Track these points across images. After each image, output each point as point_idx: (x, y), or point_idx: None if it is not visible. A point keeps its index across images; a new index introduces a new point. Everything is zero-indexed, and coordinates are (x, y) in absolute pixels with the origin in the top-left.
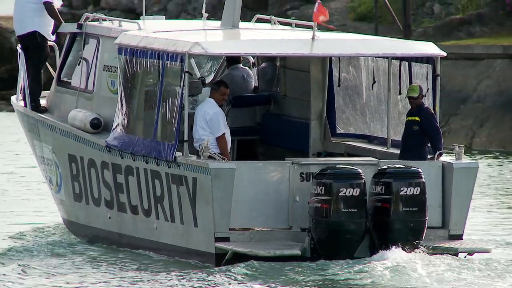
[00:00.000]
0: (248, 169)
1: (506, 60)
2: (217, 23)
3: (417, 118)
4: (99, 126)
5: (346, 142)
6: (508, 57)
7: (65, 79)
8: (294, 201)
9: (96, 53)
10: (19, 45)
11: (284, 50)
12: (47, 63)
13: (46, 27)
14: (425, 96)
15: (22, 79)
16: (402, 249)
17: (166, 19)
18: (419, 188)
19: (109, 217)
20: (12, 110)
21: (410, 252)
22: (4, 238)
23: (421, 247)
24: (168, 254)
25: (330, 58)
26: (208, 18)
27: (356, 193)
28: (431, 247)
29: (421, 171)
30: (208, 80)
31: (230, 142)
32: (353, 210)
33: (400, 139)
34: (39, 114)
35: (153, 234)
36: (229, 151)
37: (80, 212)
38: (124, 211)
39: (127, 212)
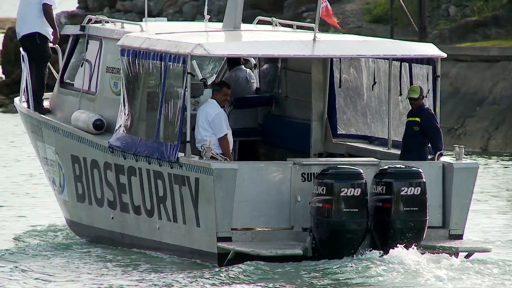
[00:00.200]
0: (250, 170)
1: None
2: (219, 25)
3: (417, 119)
4: (101, 127)
5: (347, 143)
6: None
7: (68, 81)
8: (296, 201)
9: (98, 54)
10: (21, 46)
11: (285, 52)
12: (49, 65)
13: (47, 28)
14: (425, 97)
15: (25, 81)
16: (403, 248)
17: (180, 21)
18: (419, 188)
19: (112, 218)
20: None
21: (411, 251)
22: (7, 239)
23: (422, 246)
24: (170, 254)
25: (331, 59)
26: (209, 20)
27: (357, 193)
28: (431, 246)
29: (421, 171)
30: (210, 81)
31: (232, 143)
32: (354, 210)
33: (401, 140)
34: (42, 115)
35: (155, 234)
36: (231, 152)
37: (83, 213)
38: (127, 211)
39: (130, 213)
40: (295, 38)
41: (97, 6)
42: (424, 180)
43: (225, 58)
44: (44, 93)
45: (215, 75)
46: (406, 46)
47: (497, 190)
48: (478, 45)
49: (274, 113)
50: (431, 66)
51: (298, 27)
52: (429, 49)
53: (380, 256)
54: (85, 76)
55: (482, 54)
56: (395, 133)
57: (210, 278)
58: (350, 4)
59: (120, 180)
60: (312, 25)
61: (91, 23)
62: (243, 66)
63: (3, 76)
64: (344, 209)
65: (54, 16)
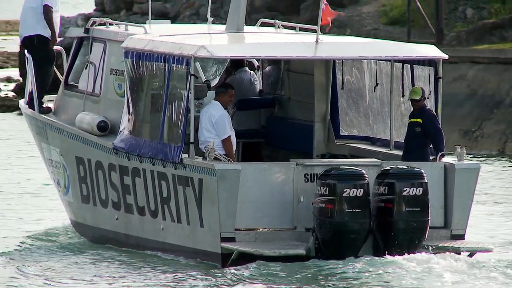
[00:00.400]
0: (253, 170)
1: None
2: (222, 27)
3: (419, 120)
4: (106, 128)
5: (350, 144)
6: None
7: (72, 83)
8: (299, 202)
9: (103, 57)
10: (25, 48)
11: (288, 53)
12: (54, 67)
13: (49, 30)
14: (427, 98)
15: (30, 83)
16: (405, 250)
17: (196, 23)
18: (421, 189)
19: (116, 218)
20: None
21: (413, 252)
22: (13, 240)
23: (424, 247)
24: (174, 254)
25: (334, 61)
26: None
27: (359, 193)
28: (433, 246)
29: (423, 171)
30: (213, 83)
31: (235, 144)
32: (356, 210)
33: (403, 141)
34: (47, 117)
35: (159, 235)
36: (234, 153)
37: (88, 214)
38: (131, 212)
39: (134, 213)
40: (297, 40)
41: (114, 8)
42: (426, 181)
43: (229, 60)
44: (45, 94)
45: (219, 77)
46: (408, 48)
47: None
48: (495, 47)
49: (277, 115)
50: (432, 68)
51: (301, 29)
52: (430, 51)
53: (382, 256)
54: (90, 78)
55: (499, 56)
56: (397, 134)
57: (214, 278)
58: (367, 6)
59: (125, 181)
60: (315, 27)
61: (95, 26)
62: (247, 68)
63: (21, 79)
64: (347, 210)
65: (58, 19)
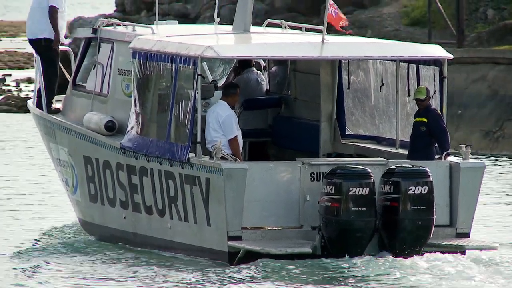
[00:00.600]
0: (259, 170)
1: None
2: (229, 28)
3: (424, 119)
4: (113, 128)
5: (356, 143)
6: None
7: (80, 83)
8: (305, 201)
9: (110, 57)
10: (34, 50)
11: (294, 54)
12: (62, 67)
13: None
14: (432, 97)
15: (38, 83)
16: (411, 248)
17: (218, 23)
18: (427, 187)
19: (124, 217)
20: None
21: (418, 250)
22: (21, 238)
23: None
24: (182, 252)
25: (340, 61)
26: (220, 23)
27: (365, 192)
28: (438, 245)
29: (428, 170)
30: (220, 83)
31: (242, 144)
32: (362, 209)
33: (408, 140)
34: (55, 117)
35: (167, 234)
36: (240, 152)
37: (96, 213)
38: (139, 211)
39: (142, 212)
40: (304, 40)
41: (134, 9)
42: (431, 180)
43: (236, 60)
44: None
45: (225, 77)
46: (413, 48)
47: None
48: None
49: (284, 115)
50: (438, 68)
51: (307, 30)
52: (436, 51)
53: (388, 255)
54: (97, 78)
55: None
56: (402, 134)
57: (221, 276)
58: (388, 7)
59: (132, 181)
60: (321, 27)
61: (103, 26)
62: (253, 68)
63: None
64: (353, 208)
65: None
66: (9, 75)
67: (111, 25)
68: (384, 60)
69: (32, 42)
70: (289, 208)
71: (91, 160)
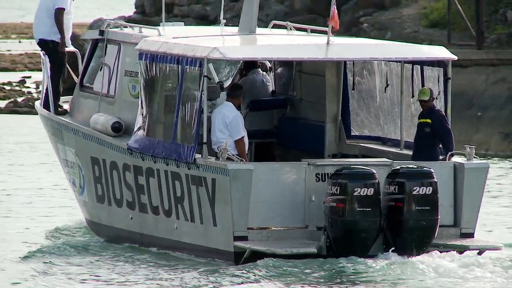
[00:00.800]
0: (265, 170)
1: None
2: (235, 29)
3: (428, 120)
4: (120, 129)
5: (361, 144)
6: None
7: (87, 84)
8: (310, 201)
9: (117, 58)
10: (42, 51)
11: (299, 55)
12: (69, 69)
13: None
14: (436, 98)
15: (45, 85)
16: (415, 248)
17: (237, 25)
18: (431, 188)
19: (131, 218)
20: None
21: (423, 250)
22: (30, 239)
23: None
24: (188, 253)
25: (345, 62)
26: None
27: (370, 192)
28: (443, 245)
29: (433, 171)
30: (226, 84)
31: (248, 144)
32: (367, 209)
33: (413, 141)
34: (62, 118)
35: (173, 234)
36: (246, 153)
37: (103, 213)
38: (146, 211)
39: (148, 213)
40: (309, 42)
41: (154, 11)
42: (436, 180)
43: (242, 61)
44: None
45: (231, 78)
46: (417, 49)
47: None
48: None
49: (289, 115)
50: (442, 69)
51: (312, 31)
52: (440, 52)
53: (393, 255)
54: (104, 80)
55: None
56: (407, 134)
57: (227, 276)
58: (407, 8)
59: (139, 181)
60: (326, 29)
61: (110, 28)
62: (259, 69)
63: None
64: (358, 209)
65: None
66: (29, 77)
67: (118, 26)
68: (388, 61)
69: (39, 43)
70: (294, 208)
71: (98, 161)
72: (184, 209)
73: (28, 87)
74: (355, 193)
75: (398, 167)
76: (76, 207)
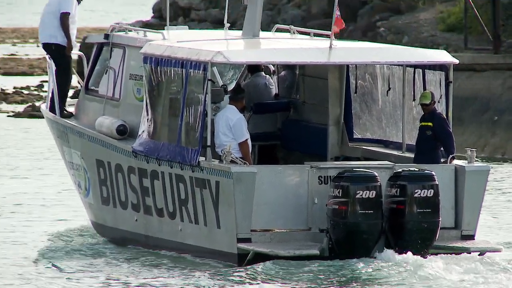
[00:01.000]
0: (268, 173)
1: None
2: (239, 33)
3: (430, 124)
4: (125, 132)
5: (363, 147)
6: None
7: (92, 88)
8: (313, 203)
9: (122, 62)
10: (47, 54)
11: (302, 59)
12: (75, 72)
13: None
14: (438, 102)
15: (51, 88)
16: (417, 250)
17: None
18: (432, 190)
19: (136, 220)
20: None
21: (424, 252)
22: (35, 241)
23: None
24: (192, 254)
25: (347, 66)
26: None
27: (372, 195)
28: (444, 247)
29: (434, 174)
30: (230, 87)
31: (251, 147)
32: (369, 211)
33: (415, 144)
34: (68, 121)
35: (178, 236)
36: (250, 155)
37: (108, 215)
38: (150, 213)
39: (153, 215)
40: (312, 46)
41: (172, 16)
42: (437, 183)
43: (245, 64)
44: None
45: (235, 81)
46: (419, 53)
47: None
48: None
49: (292, 118)
50: (443, 72)
51: (315, 35)
52: (442, 56)
53: (395, 257)
54: (109, 83)
55: None
56: (409, 137)
57: (231, 278)
58: (424, 13)
59: (143, 184)
60: (329, 32)
61: (115, 32)
62: (262, 73)
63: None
64: (360, 211)
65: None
66: (47, 81)
67: (123, 30)
68: (391, 65)
69: (44, 47)
70: (297, 210)
71: (103, 163)
72: (188, 211)
73: (46, 91)
74: (357, 196)
75: (400, 170)
76: (81, 209)
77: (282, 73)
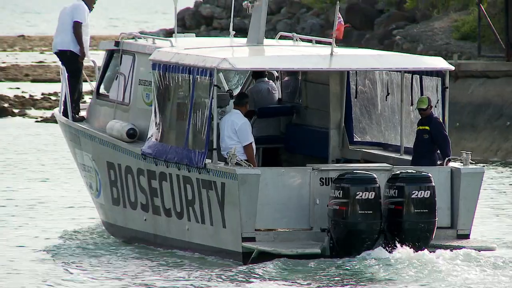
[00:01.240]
0: (272, 175)
1: None
2: (243, 40)
3: (427, 127)
4: (134, 135)
5: (363, 150)
6: None
7: (103, 93)
8: (315, 204)
9: (132, 68)
10: (60, 61)
11: (305, 65)
12: (86, 77)
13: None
14: (435, 107)
15: (64, 93)
16: (414, 248)
17: (274, 38)
18: (429, 192)
19: (145, 220)
20: None
21: (421, 250)
22: (49, 240)
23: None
24: (199, 253)
25: (348, 72)
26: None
27: (371, 196)
28: (440, 245)
29: (431, 175)
30: (236, 92)
31: (255, 150)
32: (368, 212)
33: (412, 147)
34: (80, 125)
35: (185, 235)
36: (254, 158)
37: (118, 215)
38: (159, 213)
39: (161, 215)
40: (314, 53)
41: (194, 24)
42: (434, 184)
43: (250, 71)
44: (80, 103)
45: (241, 87)
46: (417, 60)
47: None
48: None
49: (295, 122)
50: (440, 78)
51: (317, 42)
52: (438, 63)
53: (392, 255)
54: (119, 88)
55: None
56: (407, 140)
57: (235, 275)
58: (439, 22)
59: (152, 185)
60: (330, 40)
61: (125, 39)
62: (265, 78)
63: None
64: (359, 211)
65: (88, 33)
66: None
67: (133, 38)
68: (390, 71)
69: (57, 54)
70: (299, 211)
71: (114, 165)
72: (195, 211)
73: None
74: (357, 197)
75: (398, 172)
76: (92, 209)
77: (285, 78)
